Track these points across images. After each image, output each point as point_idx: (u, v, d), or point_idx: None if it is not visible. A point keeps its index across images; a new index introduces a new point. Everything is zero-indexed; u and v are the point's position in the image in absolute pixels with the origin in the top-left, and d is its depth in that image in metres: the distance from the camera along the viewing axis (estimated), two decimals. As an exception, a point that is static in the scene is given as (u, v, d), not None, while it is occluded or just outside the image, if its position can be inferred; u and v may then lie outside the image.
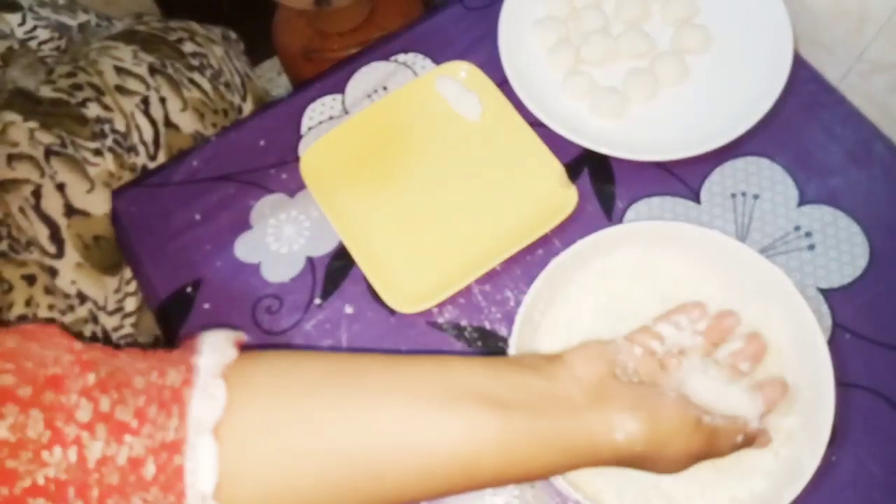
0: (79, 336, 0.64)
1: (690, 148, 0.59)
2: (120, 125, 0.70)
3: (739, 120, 0.59)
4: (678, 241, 0.51)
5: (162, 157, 0.73)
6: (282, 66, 1.21)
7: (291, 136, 0.66)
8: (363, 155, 0.63)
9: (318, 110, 0.67)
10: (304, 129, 0.66)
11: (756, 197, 0.60)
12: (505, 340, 0.57)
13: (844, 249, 0.58)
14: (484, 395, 0.36)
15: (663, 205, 0.61)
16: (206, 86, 0.78)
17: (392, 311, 0.58)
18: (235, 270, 0.61)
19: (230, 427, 0.33)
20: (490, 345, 0.57)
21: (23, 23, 0.76)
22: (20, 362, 0.32)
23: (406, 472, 0.35)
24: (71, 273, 0.65)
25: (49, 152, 0.65)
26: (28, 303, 0.61)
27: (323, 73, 0.69)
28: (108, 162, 0.68)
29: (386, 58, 0.69)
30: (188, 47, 0.79)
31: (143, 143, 0.71)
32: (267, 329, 0.58)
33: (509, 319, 0.57)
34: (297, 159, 0.64)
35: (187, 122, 0.75)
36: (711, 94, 0.63)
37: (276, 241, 0.61)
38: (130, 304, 0.70)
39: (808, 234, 0.59)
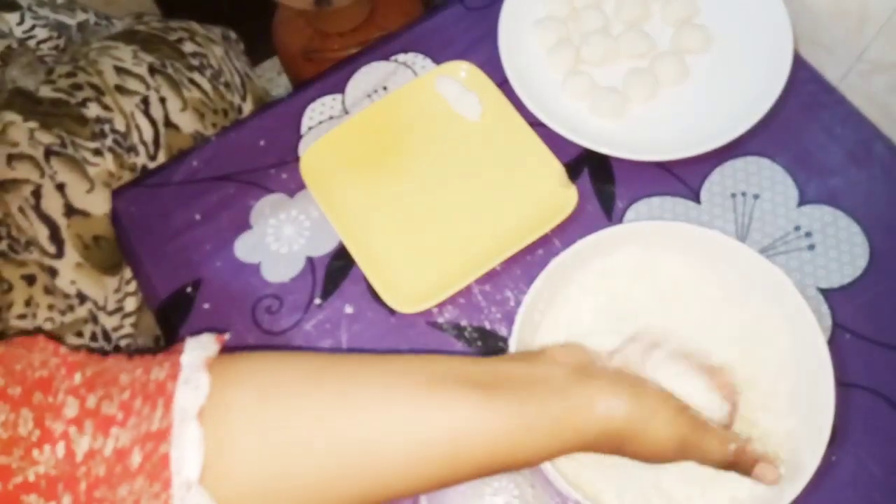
0: (78, 336, 0.65)
1: (690, 148, 0.59)
2: (120, 125, 0.70)
3: (739, 120, 0.59)
4: (678, 241, 0.51)
5: (162, 157, 0.73)
6: (282, 66, 1.21)
7: (291, 136, 0.66)
8: (363, 155, 0.63)
9: (318, 110, 0.67)
10: (304, 129, 0.66)
11: (756, 197, 0.60)
12: (505, 340, 0.57)
13: (844, 249, 0.58)
14: (467, 380, 0.37)
15: (663, 205, 0.61)
16: (206, 86, 0.78)
17: (392, 311, 0.58)
18: (235, 270, 0.61)
19: (214, 415, 0.33)
20: (490, 345, 0.57)
21: (21, 22, 0.76)
22: (9, 365, 0.32)
23: (390, 457, 0.35)
24: (71, 273, 0.65)
25: (49, 152, 0.65)
26: (28, 303, 0.61)
27: (323, 73, 0.69)
28: (108, 162, 0.68)
29: (386, 58, 0.69)
30: (188, 47, 0.79)
31: (143, 143, 0.71)
32: (267, 329, 0.58)
33: (509, 319, 0.57)
34: (297, 159, 0.64)
35: (187, 122, 0.75)
36: (711, 94, 0.63)
37: (276, 241, 0.61)
38: (130, 304, 0.70)
39: (808, 234, 0.59)
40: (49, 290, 0.63)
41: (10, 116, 0.65)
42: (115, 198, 0.66)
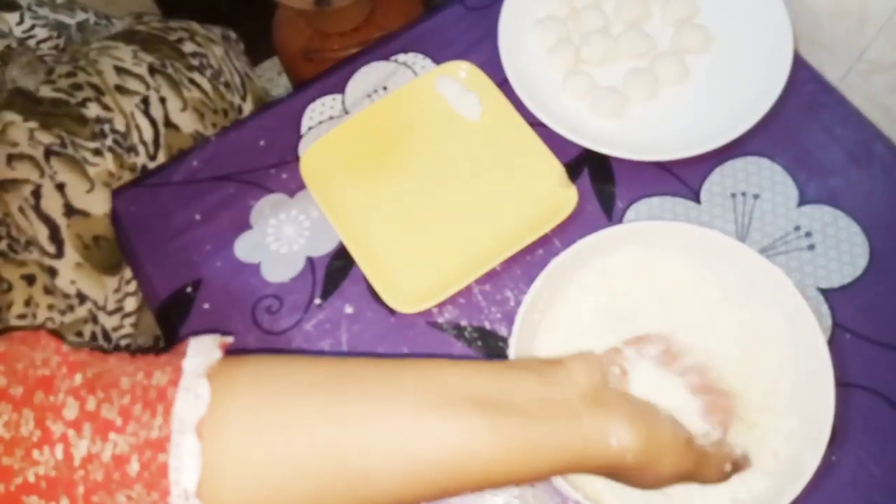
0: (78, 336, 0.65)
1: (690, 148, 0.59)
2: (120, 125, 0.70)
3: (739, 120, 0.59)
4: (678, 241, 0.51)
5: (162, 157, 0.73)
6: (282, 66, 1.21)
7: (291, 136, 0.66)
8: (363, 155, 0.63)
9: (318, 110, 0.67)
10: (304, 129, 0.66)
11: (756, 197, 0.60)
12: (505, 340, 0.57)
13: (844, 249, 0.58)
14: (478, 400, 0.36)
15: (663, 205, 0.61)
16: (206, 86, 0.78)
17: (392, 311, 0.58)
18: (235, 270, 0.61)
19: (214, 426, 0.33)
20: (490, 345, 0.57)
21: (21, 22, 0.76)
22: (11, 364, 0.32)
23: (394, 474, 0.35)
24: (70, 273, 0.65)
25: (49, 152, 0.65)
26: (27, 303, 0.61)
27: (323, 73, 0.69)
28: (108, 162, 0.68)
29: (386, 58, 0.69)
30: (188, 47, 0.79)
31: (143, 142, 0.71)
32: (267, 329, 0.58)
33: (509, 319, 0.57)
34: (297, 159, 0.64)
35: (187, 122, 0.75)
36: (711, 94, 0.63)
37: (276, 241, 0.61)
38: (130, 304, 0.70)
39: (808, 234, 0.59)
40: (49, 290, 0.63)
41: (10, 116, 0.65)
42: (115, 198, 0.66)
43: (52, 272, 0.64)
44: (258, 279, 0.60)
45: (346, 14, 1.01)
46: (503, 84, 0.63)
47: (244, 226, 0.62)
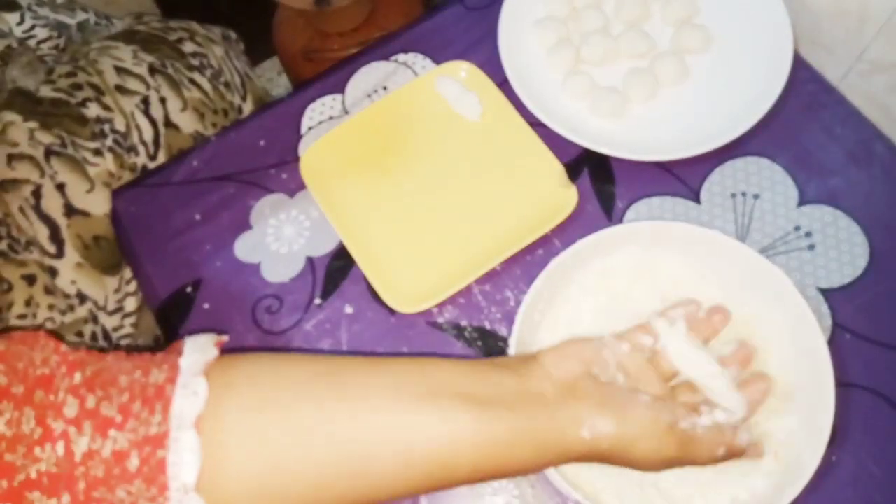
0: (79, 336, 0.65)
1: (690, 148, 0.59)
2: (120, 125, 0.70)
3: (739, 120, 0.59)
4: (678, 241, 0.51)
5: (162, 157, 0.73)
6: (282, 66, 1.21)
7: (291, 136, 0.66)
8: (363, 155, 0.63)
9: (318, 110, 0.67)
10: (304, 129, 0.66)
11: (756, 197, 0.60)
12: (505, 340, 0.57)
13: (844, 249, 0.58)
14: (461, 393, 0.38)
15: (663, 205, 0.61)
16: (206, 86, 0.78)
17: (392, 311, 0.58)
18: (235, 270, 0.61)
19: (211, 421, 0.34)
20: (490, 345, 0.57)
21: (21, 22, 0.76)
22: (12, 363, 0.33)
23: (385, 466, 0.36)
24: (71, 273, 0.65)
25: (49, 152, 0.65)
26: (28, 303, 0.61)
27: (323, 73, 0.69)
28: (108, 162, 0.68)
29: (386, 58, 0.69)
30: (188, 47, 0.79)
31: (143, 142, 0.71)
32: (267, 329, 0.58)
33: (509, 319, 0.57)
34: (297, 159, 0.64)
35: (187, 122, 0.75)
36: (711, 94, 0.63)
37: (276, 241, 0.61)
38: (130, 304, 0.70)
39: (808, 234, 0.59)
40: (49, 290, 0.63)
41: (10, 116, 0.65)
42: (115, 198, 0.66)
43: (53, 272, 0.64)
44: (258, 279, 0.60)
45: (346, 14, 1.01)
46: (503, 84, 0.63)
47: (244, 226, 0.62)
